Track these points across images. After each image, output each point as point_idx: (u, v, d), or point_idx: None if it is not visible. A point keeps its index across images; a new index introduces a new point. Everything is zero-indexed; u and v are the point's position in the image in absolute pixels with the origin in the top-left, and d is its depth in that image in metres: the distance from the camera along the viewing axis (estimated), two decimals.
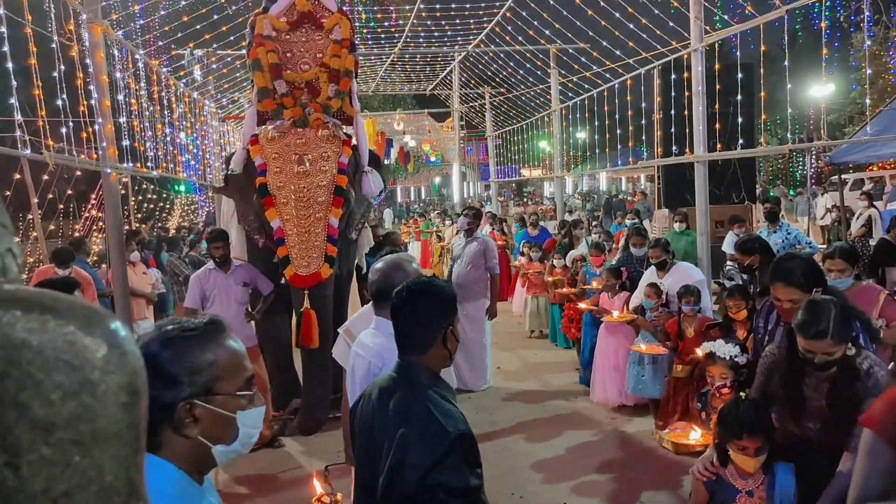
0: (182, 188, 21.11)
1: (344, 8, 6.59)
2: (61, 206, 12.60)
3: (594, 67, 11.15)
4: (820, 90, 17.59)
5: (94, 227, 12.74)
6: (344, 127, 6.01)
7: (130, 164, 7.38)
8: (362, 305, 6.16)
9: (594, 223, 19.33)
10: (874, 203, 13.07)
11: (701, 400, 3.93)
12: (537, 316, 9.89)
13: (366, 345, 2.99)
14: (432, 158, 26.74)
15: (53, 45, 5.58)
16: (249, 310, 6.21)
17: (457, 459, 1.98)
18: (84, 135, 6.12)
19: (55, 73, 5.63)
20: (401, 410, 2.12)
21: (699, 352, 3.83)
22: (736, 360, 3.59)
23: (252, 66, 5.87)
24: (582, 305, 7.32)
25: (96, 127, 5.97)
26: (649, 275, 6.56)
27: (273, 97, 5.78)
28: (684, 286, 5.81)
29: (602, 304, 7.09)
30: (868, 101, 8.17)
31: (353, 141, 6.14)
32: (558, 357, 8.95)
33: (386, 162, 23.25)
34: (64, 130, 5.72)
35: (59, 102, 5.59)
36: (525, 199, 38.76)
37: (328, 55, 5.90)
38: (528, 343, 9.74)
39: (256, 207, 5.85)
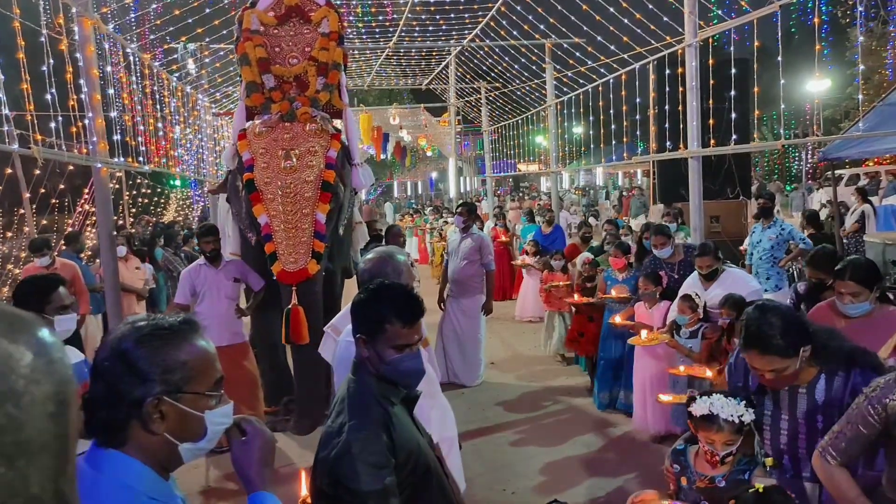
0: (178, 182, 21.02)
1: (336, 1, 6.53)
2: (55, 201, 12.53)
3: (589, 62, 11.12)
4: (816, 85, 17.59)
5: (88, 222, 12.67)
6: (333, 121, 5.97)
7: (122, 159, 7.33)
8: None
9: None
10: (869, 199, 13.08)
11: (678, 461, 2.90)
12: (562, 338, 8.24)
13: None
14: (429, 153, 26.69)
15: (42, 40, 5.54)
16: (240, 306, 6.19)
17: (351, 460, 2.00)
18: (73, 129, 6.08)
19: (44, 68, 5.59)
20: (335, 409, 2.19)
21: (691, 411, 2.79)
22: (742, 419, 2.68)
23: (240, 61, 5.84)
24: (618, 319, 6.10)
25: (86, 121, 5.94)
26: (691, 284, 5.53)
27: (262, 91, 5.74)
28: (726, 296, 4.86)
29: (639, 317, 6.02)
30: (861, 96, 8.13)
31: (343, 135, 6.10)
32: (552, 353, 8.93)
33: (383, 157, 23.23)
34: (53, 125, 5.68)
35: (49, 97, 5.56)
36: (522, 194, 38.67)
37: (316, 48, 5.86)
38: (524, 340, 9.71)
39: (245, 203, 5.82)
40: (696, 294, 5.30)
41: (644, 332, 5.55)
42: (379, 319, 2.18)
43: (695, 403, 2.76)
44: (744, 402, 2.71)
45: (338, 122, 6.05)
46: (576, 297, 7.27)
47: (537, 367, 8.30)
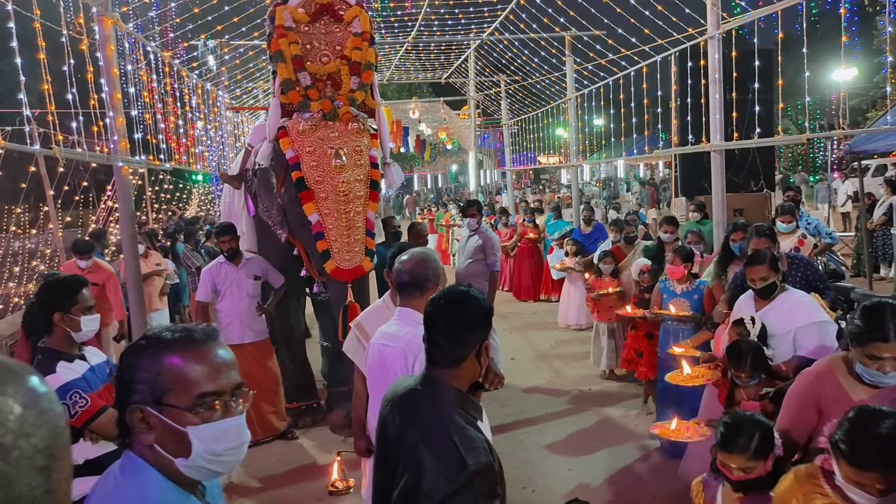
0: (200, 177, 21.19)
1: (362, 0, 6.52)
2: (79, 197, 12.70)
3: (609, 55, 11.00)
4: (842, 74, 17.27)
5: (111, 218, 12.82)
6: (369, 120, 6.01)
7: (143, 157, 7.38)
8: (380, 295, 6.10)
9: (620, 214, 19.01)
10: None
11: None
12: (615, 353, 7.45)
13: (394, 335, 2.93)
14: (448, 147, 26.62)
15: (63, 40, 5.58)
16: (261, 303, 6.21)
17: (472, 494, 1.89)
18: (95, 128, 6.13)
19: (65, 68, 5.63)
20: (421, 428, 2.03)
21: None
22: None
23: (275, 57, 5.83)
24: (678, 350, 4.80)
25: (107, 120, 5.98)
26: (744, 304, 4.27)
27: (297, 89, 5.76)
28: (738, 348, 3.71)
29: (718, 346, 4.80)
30: (889, 88, 7.93)
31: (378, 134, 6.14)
32: (572, 348, 8.89)
33: (402, 150, 23.21)
34: (74, 125, 5.73)
35: (70, 97, 5.61)
36: (542, 186, 38.49)
37: (349, 48, 5.88)
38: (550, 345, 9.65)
39: (286, 202, 5.84)
40: (751, 318, 4.02)
41: (687, 367, 4.33)
42: (489, 317, 2.15)
43: None
44: None
45: (372, 122, 6.08)
46: (628, 308, 6.33)
47: (559, 365, 8.26)
